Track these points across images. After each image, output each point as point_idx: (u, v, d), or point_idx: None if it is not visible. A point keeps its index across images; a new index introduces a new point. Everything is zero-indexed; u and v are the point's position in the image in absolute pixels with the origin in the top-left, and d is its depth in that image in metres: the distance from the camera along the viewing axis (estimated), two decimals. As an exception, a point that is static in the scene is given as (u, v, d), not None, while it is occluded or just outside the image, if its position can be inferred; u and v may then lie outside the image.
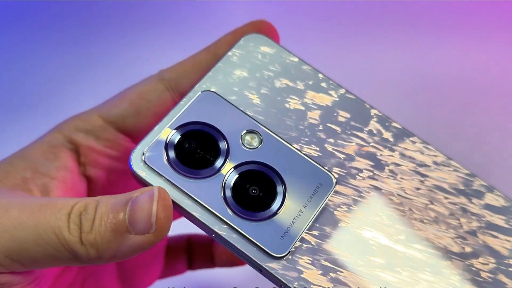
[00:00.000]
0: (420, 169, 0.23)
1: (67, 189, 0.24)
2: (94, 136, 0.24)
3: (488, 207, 0.23)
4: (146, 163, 0.21)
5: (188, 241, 0.32)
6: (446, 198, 0.23)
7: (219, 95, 0.23)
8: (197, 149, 0.22)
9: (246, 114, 0.23)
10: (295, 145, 0.23)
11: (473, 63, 0.52)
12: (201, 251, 0.32)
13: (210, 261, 0.32)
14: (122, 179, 0.26)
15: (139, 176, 0.21)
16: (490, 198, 0.23)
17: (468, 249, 0.22)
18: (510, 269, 0.22)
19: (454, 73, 0.52)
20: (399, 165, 0.23)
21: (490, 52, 0.53)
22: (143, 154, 0.22)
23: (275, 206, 0.22)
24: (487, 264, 0.22)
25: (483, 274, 0.22)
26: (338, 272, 0.21)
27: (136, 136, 0.25)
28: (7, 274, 0.20)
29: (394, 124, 0.24)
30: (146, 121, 0.25)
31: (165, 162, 0.22)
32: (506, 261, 0.22)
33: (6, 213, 0.19)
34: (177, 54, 0.27)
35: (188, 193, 0.21)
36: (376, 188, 0.23)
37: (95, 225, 0.19)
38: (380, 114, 0.24)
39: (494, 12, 0.55)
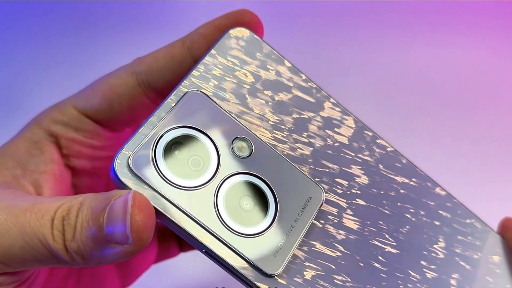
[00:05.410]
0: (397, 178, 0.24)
1: (56, 181, 0.24)
2: (73, 128, 0.24)
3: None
4: (132, 170, 0.19)
5: None
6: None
7: (207, 96, 0.22)
8: (187, 156, 0.21)
9: (235, 119, 0.22)
10: (282, 147, 0.22)
11: (470, 62, 0.52)
12: None
13: None
14: (108, 165, 0.26)
15: (124, 185, 0.19)
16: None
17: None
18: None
19: (450, 72, 0.52)
20: (383, 175, 0.24)
21: (487, 51, 0.53)
22: (128, 160, 0.20)
23: (267, 221, 0.21)
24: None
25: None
26: None
27: (113, 127, 0.25)
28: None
29: (379, 141, 0.24)
30: (120, 115, 0.24)
31: (153, 169, 0.20)
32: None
33: None
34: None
35: (177, 204, 0.20)
36: (362, 200, 0.23)
37: (76, 233, 0.19)
38: (361, 124, 0.24)
39: (491, 12, 0.55)
